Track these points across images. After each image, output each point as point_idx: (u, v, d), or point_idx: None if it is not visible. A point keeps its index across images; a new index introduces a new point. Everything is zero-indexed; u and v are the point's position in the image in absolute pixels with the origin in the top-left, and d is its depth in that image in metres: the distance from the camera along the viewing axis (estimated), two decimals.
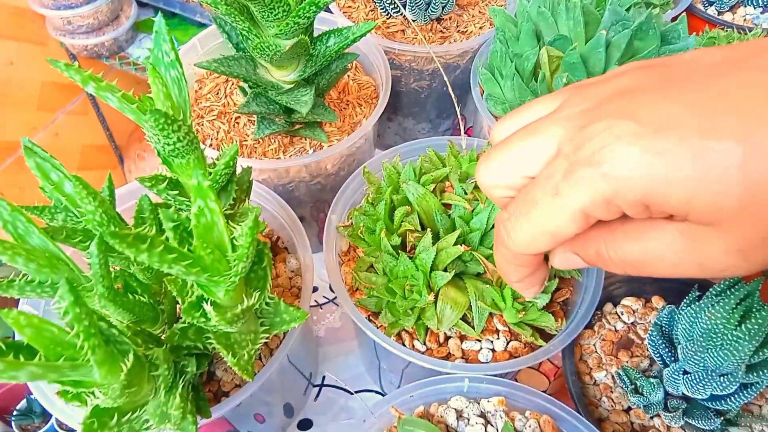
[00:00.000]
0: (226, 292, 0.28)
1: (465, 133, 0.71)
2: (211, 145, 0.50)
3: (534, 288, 0.28)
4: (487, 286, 0.40)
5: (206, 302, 0.29)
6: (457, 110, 0.47)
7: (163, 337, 0.34)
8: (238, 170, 0.39)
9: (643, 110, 0.19)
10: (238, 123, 0.51)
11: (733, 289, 0.35)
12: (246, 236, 0.27)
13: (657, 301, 0.46)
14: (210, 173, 0.35)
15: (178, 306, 0.38)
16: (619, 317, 0.45)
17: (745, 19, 0.65)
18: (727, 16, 0.66)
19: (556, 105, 0.24)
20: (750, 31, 0.58)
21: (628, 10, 0.59)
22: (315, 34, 0.45)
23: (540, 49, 0.48)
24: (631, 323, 0.44)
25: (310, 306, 0.54)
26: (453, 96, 0.47)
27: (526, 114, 0.25)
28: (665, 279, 0.46)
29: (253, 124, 0.50)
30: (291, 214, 0.44)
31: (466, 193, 0.43)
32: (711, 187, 0.18)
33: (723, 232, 0.19)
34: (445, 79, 0.46)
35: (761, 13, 0.65)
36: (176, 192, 0.34)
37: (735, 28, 0.63)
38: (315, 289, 0.56)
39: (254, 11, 0.39)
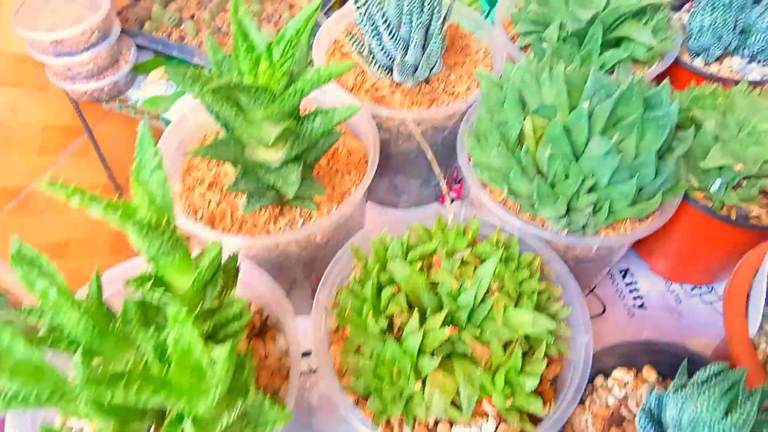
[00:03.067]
0: (205, 410, 0.28)
1: (456, 187, 0.71)
2: (202, 217, 0.50)
3: None
4: (476, 368, 0.40)
5: (187, 417, 0.29)
6: (442, 181, 0.47)
7: None
8: (226, 255, 0.40)
9: None
10: (229, 193, 0.52)
11: (718, 377, 0.35)
12: (224, 362, 0.27)
13: (648, 372, 0.46)
14: (197, 267, 0.36)
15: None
16: (610, 391, 0.45)
17: (731, 70, 0.66)
18: (714, 67, 0.66)
19: None
20: (736, 84, 0.58)
21: (614, 66, 0.60)
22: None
23: (525, 118, 0.48)
24: (623, 397, 0.44)
25: (302, 373, 0.55)
26: (435, 165, 0.47)
27: None
28: (656, 349, 0.46)
29: (244, 194, 0.50)
30: (279, 293, 0.44)
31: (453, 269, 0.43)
32: None
33: None
34: (428, 154, 0.46)
35: (747, 63, 0.65)
36: (162, 289, 0.35)
37: (722, 81, 0.63)
38: (307, 354, 0.57)
39: (241, 98, 0.40)
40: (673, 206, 0.51)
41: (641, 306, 0.65)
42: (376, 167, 0.50)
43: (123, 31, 1.08)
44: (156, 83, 1.10)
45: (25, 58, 1.02)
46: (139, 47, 1.13)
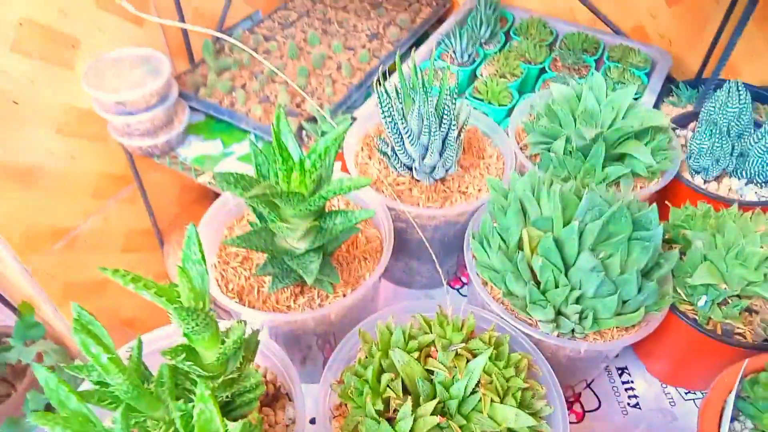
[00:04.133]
0: None
1: (463, 277, 0.77)
2: (232, 289, 0.57)
3: None
4: None
5: None
6: (441, 273, 0.53)
7: None
8: (250, 330, 0.46)
9: None
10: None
11: None
12: None
13: None
14: (222, 345, 0.42)
15: None
16: None
17: (729, 190, 0.71)
18: (713, 186, 0.71)
19: None
20: (729, 205, 0.63)
21: (617, 179, 0.65)
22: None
23: (524, 227, 0.54)
24: None
25: None
26: (437, 263, 0.53)
27: None
28: None
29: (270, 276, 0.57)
30: (291, 368, 0.50)
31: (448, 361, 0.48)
32: None
33: None
34: (429, 249, 0.52)
35: (745, 184, 0.70)
36: (191, 362, 0.41)
37: (720, 200, 0.68)
38: (313, 421, 0.62)
39: (275, 199, 0.47)
40: (657, 319, 0.55)
41: (636, 405, 0.68)
42: (389, 257, 0.57)
43: (180, 94, 1.19)
44: (204, 143, 1.20)
45: (90, 113, 1.13)
46: (193, 109, 1.24)
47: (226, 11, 1.30)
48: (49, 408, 1.24)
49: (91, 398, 0.38)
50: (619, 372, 0.70)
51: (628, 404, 0.68)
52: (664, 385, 0.69)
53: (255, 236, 0.50)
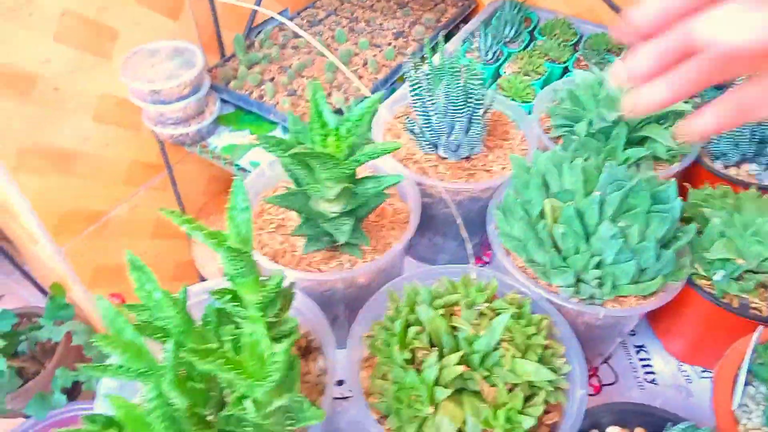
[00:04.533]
0: (263, 393, 0.37)
1: (488, 252, 0.79)
2: (267, 253, 0.60)
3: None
4: (483, 404, 0.47)
5: (247, 399, 0.37)
6: (468, 243, 0.55)
7: (211, 420, 0.42)
8: (285, 283, 0.49)
9: None
10: (291, 236, 0.62)
11: None
12: (281, 355, 0.36)
13: None
14: (263, 288, 0.45)
15: (223, 393, 0.47)
16: None
17: (749, 174, 0.72)
18: (733, 171, 0.73)
19: None
20: (748, 188, 0.65)
21: (637, 162, 0.67)
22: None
23: (547, 198, 0.57)
24: None
25: (335, 398, 0.62)
26: (463, 230, 0.56)
27: None
28: (648, 412, 0.51)
29: (304, 237, 0.60)
30: (324, 323, 0.53)
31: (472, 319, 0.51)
32: None
33: None
34: (458, 220, 0.55)
35: (764, 170, 0.72)
36: (236, 303, 0.44)
37: (740, 183, 0.70)
38: (341, 383, 0.64)
39: (311, 162, 0.50)
40: (675, 288, 0.57)
41: (653, 381, 0.70)
42: (416, 227, 0.59)
43: (211, 86, 1.23)
44: (233, 134, 1.24)
45: (125, 102, 1.18)
46: (223, 101, 1.29)
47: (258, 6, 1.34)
48: (75, 385, 1.28)
49: (144, 331, 0.41)
50: (637, 349, 0.72)
51: (645, 380, 0.69)
52: (680, 363, 0.71)
53: (292, 197, 0.53)
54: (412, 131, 0.68)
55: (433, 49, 0.70)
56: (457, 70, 0.64)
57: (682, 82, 0.29)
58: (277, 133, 1.23)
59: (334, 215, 0.55)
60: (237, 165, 1.18)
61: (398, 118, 0.75)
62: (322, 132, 0.50)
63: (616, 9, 1.27)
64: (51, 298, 1.31)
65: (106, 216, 1.27)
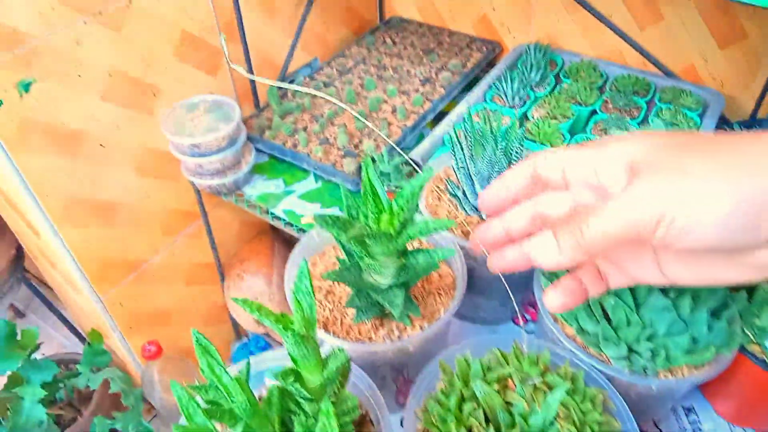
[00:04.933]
0: None
1: (531, 310, 0.80)
2: (318, 320, 0.61)
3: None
4: None
5: None
6: (516, 309, 0.56)
7: None
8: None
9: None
10: (340, 302, 0.63)
11: None
12: None
13: None
14: (325, 369, 0.46)
15: None
16: None
17: None
18: None
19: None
20: None
21: None
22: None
23: None
24: None
25: None
26: (512, 298, 0.56)
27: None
28: None
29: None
30: (378, 396, 0.53)
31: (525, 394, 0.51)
32: None
33: None
34: (505, 286, 0.56)
35: None
36: (298, 383, 0.45)
37: None
38: None
39: (366, 239, 0.52)
40: (727, 358, 0.57)
41: None
42: (463, 295, 0.60)
43: (247, 137, 1.27)
44: (267, 182, 1.27)
45: (165, 154, 1.22)
46: (258, 150, 1.32)
47: (290, 59, 1.39)
48: None
49: (213, 415, 0.43)
50: (686, 412, 0.71)
51: None
52: (732, 426, 0.70)
53: (346, 272, 0.55)
54: (455, 194, 0.69)
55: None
56: (499, 136, 0.65)
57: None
58: (310, 181, 1.26)
59: (385, 287, 0.56)
60: (272, 213, 1.20)
61: (439, 179, 0.76)
62: (377, 210, 0.52)
63: (642, 52, 1.28)
64: (89, 345, 1.34)
65: (145, 264, 1.30)
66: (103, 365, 1.34)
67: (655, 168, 0.31)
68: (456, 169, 0.66)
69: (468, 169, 0.65)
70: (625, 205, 0.31)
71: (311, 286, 0.45)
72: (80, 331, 1.59)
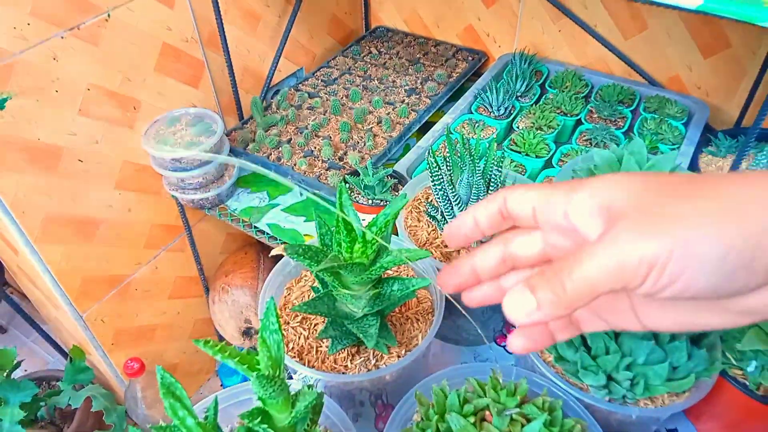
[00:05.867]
0: None
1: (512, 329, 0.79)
2: (292, 348, 0.60)
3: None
4: None
5: None
6: (482, 335, 0.55)
7: None
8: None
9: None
10: (315, 330, 0.62)
11: None
12: None
13: None
14: (293, 408, 0.45)
15: None
16: None
17: None
18: None
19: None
20: None
21: None
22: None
23: None
24: None
25: None
26: (472, 322, 0.55)
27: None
28: None
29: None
30: (350, 427, 0.52)
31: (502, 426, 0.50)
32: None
33: None
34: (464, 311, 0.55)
35: None
36: (266, 425, 0.44)
37: None
38: None
39: (341, 271, 0.50)
40: (708, 385, 0.56)
41: None
42: (440, 321, 0.59)
43: (230, 149, 1.25)
44: (250, 196, 1.26)
45: (146, 168, 1.20)
46: None
47: (274, 70, 1.37)
48: None
49: None
50: None
51: None
52: None
53: (319, 302, 0.53)
54: (433, 216, 0.68)
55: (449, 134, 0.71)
56: (477, 158, 0.64)
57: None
58: (294, 193, 1.25)
59: (359, 315, 0.55)
60: (255, 227, 1.19)
61: (418, 200, 0.75)
62: (349, 239, 0.51)
63: (627, 61, 1.28)
64: (71, 361, 1.32)
65: (127, 279, 1.28)
66: (86, 382, 1.32)
67: (639, 212, 0.29)
68: (434, 191, 0.65)
69: (446, 192, 0.64)
70: (610, 252, 0.28)
71: (279, 323, 0.43)
72: (63, 346, 1.57)
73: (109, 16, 1.02)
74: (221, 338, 1.59)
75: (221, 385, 1.59)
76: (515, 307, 0.31)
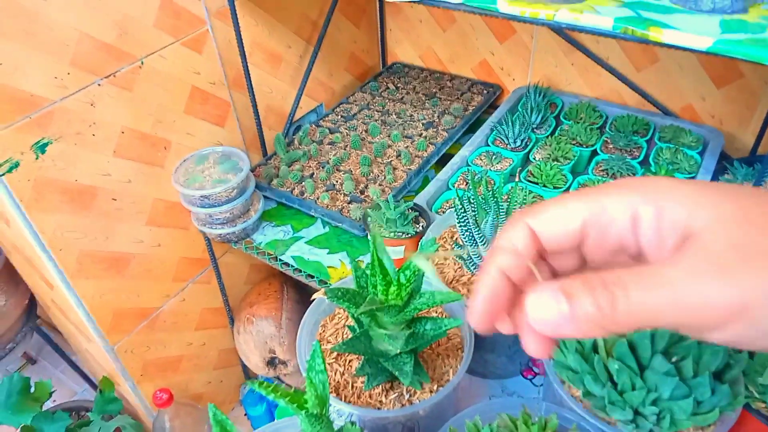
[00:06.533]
0: None
1: (536, 367, 0.81)
2: (330, 384, 0.63)
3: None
4: None
5: None
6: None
7: None
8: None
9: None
10: (350, 366, 0.64)
11: None
12: None
13: None
14: None
15: None
16: None
17: None
18: None
19: None
20: None
21: None
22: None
23: None
24: None
25: None
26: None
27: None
28: None
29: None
30: None
31: None
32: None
33: None
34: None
35: None
36: None
37: None
38: None
39: (377, 313, 0.54)
40: (732, 419, 0.58)
41: None
42: (470, 358, 0.62)
43: (255, 185, 1.30)
44: (275, 229, 1.29)
45: (176, 205, 1.25)
46: (266, 197, 1.35)
47: (296, 108, 1.42)
48: None
49: None
50: None
51: None
52: None
53: (357, 342, 0.56)
54: (460, 256, 0.71)
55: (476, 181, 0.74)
56: (500, 200, 0.67)
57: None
58: (318, 226, 1.28)
59: (394, 353, 0.57)
60: (280, 260, 1.22)
61: (444, 238, 0.78)
62: (384, 282, 0.54)
63: (640, 92, 1.31)
64: (100, 393, 1.35)
65: (156, 312, 1.32)
66: (115, 413, 1.35)
67: (727, 243, 0.22)
68: (461, 233, 0.68)
69: (472, 233, 0.67)
70: (689, 281, 0.22)
71: (324, 364, 0.46)
72: (91, 377, 1.61)
73: (142, 63, 1.08)
74: (245, 368, 1.62)
75: (245, 415, 1.61)
76: (542, 311, 0.25)
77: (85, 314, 1.18)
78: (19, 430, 1.20)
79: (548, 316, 0.24)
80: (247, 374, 1.65)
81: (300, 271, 1.19)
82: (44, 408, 1.24)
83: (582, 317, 0.24)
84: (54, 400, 1.55)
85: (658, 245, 0.25)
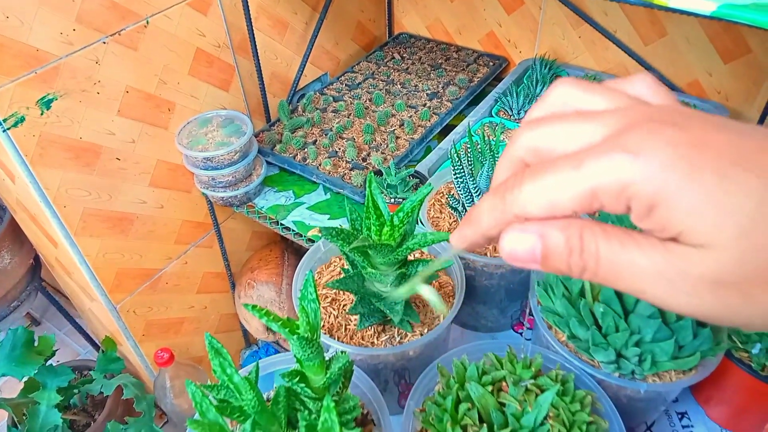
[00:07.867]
0: None
1: (527, 322, 0.82)
2: (323, 326, 0.65)
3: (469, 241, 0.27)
4: None
5: None
6: (523, 316, 0.59)
7: None
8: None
9: (693, 127, 0.20)
10: (344, 309, 0.66)
11: None
12: None
13: None
14: (328, 369, 0.49)
15: None
16: None
17: None
18: None
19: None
20: None
21: None
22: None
23: None
24: None
25: None
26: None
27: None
28: None
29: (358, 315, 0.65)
30: (379, 397, 0.56)
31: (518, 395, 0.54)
32: (721, 208, 0.19)
33: (709, 258, 0.19)
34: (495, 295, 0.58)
35: None
36: (303, 383, 0.48)
37: None
38: None
39: (368, 250, 0.55)
40: (713, 363, 0.59)
41: None
42: (461, 303, 0.63)
43: (258, 150, 1.31)
44: (277, 194, 1.31)
45: (179, 167, 1.26)
46: (269, 163, 1.36)
47: (300, 75, 1.43)
48: None
49: (224, 411, 0.46)
50: (679, 416, 0.74)
51: None
52: (724, 430, 0.72)
53: (350, 280, 0.58)
54: (455, 208, 0.72)
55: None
56: (497, 152, 0.69)
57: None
58: (319, 192, 1.30)
59: (386, 295, 0.59)
60: (281, 224, 1.24)
61: (441, 193, 0.80)
62: (378, 223, 0.55)
63: (646, 66, 1.30)
64: (103, 352, 1.38)
65: (159, 273, 1.34)
66: (117, 372, 1.38)
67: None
68: (456, 184, 0.69)
69: (467, 184, 0.69)
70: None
71: (316, 293, 0.48)
72: (94, 338, 1.64)
73: (147, 22, 1.09)
74: (246, 333, 1.64)
75: None
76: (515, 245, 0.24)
77: (89, 272, 1.20)
78: (23, 381, 1.23)
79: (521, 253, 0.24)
80: (248, 340, 1.68)
81: (300, 235, 1.20)
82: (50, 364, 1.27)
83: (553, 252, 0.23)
84: (57, 360, 1.58)
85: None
